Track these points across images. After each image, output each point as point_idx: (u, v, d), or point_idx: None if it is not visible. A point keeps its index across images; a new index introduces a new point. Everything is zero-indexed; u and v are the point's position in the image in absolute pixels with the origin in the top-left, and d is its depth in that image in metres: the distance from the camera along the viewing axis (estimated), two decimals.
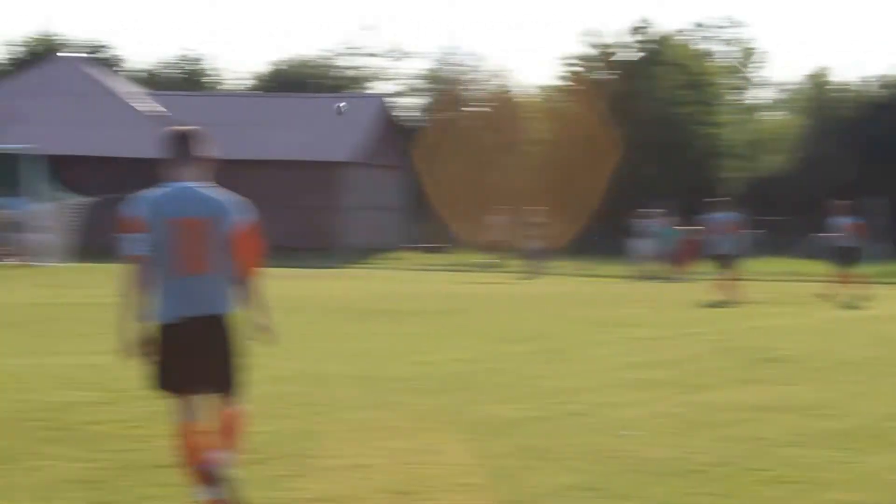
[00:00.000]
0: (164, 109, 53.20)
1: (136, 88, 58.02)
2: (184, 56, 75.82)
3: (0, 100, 52.45)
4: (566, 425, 11.32)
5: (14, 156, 41.54)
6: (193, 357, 7.69)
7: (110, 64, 69.33)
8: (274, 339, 7.97)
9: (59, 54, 59.96)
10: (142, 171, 48.72)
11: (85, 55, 64.68)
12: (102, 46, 73.74)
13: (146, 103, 53.90)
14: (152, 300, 7.70)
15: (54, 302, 24.37)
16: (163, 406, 10.86)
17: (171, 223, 7.63)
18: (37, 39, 71.75)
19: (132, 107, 52.79)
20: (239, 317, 7.88)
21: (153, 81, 68.57)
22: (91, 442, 10.08)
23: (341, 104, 48.13)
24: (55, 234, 39.35)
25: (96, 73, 56.54)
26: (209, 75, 75.83)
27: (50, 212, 39.67)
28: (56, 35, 73.10)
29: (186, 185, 7.78)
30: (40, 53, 66.09)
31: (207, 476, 7.57)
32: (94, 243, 43.46)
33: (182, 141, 7.88)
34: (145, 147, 48.44)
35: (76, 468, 9.13)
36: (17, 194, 41.69)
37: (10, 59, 71.30)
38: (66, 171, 47.52)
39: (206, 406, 7.89)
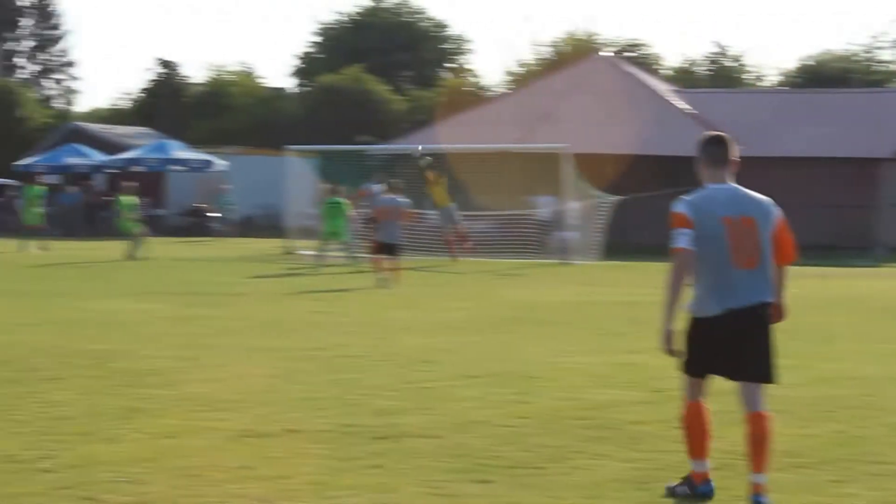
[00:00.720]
0: (691, 107, 53.09)
1: (668, 86, 58.19)
2: (714, 53, 75.48)
3: (534, 99, 53.91)
4: None
5: (548, 155, 42.57)
6: (734, 348, 8.14)
7: (645, 62, 69.87)
8: (781, 318, 8.40)
9: (599, 53, 60.90)
10: (675, 170, 49.04)
11: (621, 53, 65.56)
12: (639, 45, 74.49)
13: (678, 101, 53.91)
14: (694, 294, 8.21)
15: (589, 300, 24.68)
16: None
17: (722, 221, 8.14)
18: (570, 39, 73.25)
19: (667, 105, 52.86)
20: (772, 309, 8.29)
21: (684, 79, 68.66)
22: (633, 441, 10.08)
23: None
24: (588, 232, 40.02)
25: (633, 71, 57.01)
26: (739, 72, 75.08)
27: (582, 210, 40.37)
28: (593, 34, 74.41)
29: (730, 186, 8.32)
30: (576, 53, 67.44)
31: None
32: (625, 242, 44.07)
33: (720, 145, 8.40)
34: (678, 146, 48.57)
35: (621, 468, 9.16)
36: (551, 193, 42.75)
37: (542, 58, 73.12)
38: (599, 168, 48.21)
39: (741, 396, 8.26)
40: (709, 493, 8.28)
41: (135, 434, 10.08)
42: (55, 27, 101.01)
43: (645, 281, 30.02)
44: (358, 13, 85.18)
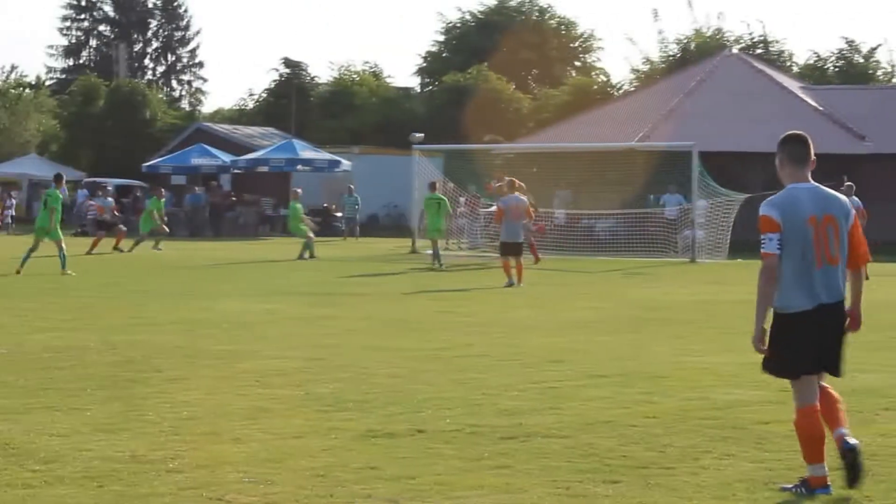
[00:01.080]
0: (815, 104, 52.47)
1: (797, 83, 57.61)
2: (843, 49, 74.19)
3: (661, 96, 53.60)
4: None
5: (675, 153, 42.41)
6: (821, 341, 8.40)
7: (775, 59, 69.10)
8: (856, 325, 8.54)
9: (732, 50, 60.35)
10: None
11: (750, 50, 64.95)
12: (768, 41, 73.59)
13: (808, 98, 53.32)
14: (781, 291, 8.39)
15: (716, 299, 24.52)
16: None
17: (809, 221, 8.37)
18: (698, 36, 72.44)
19: (796, 102, 52.30)
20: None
21: (813, 76, 67.90)
22: (761, 441, 10.02)
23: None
24: (715, 230, 39.80)
25: (762, 68, 56.47)
26: (871, 69, 73.74)
27: (711, 209, 40.13)
28: (721, 31, 73.45)
29: (812, 185, 8.55)
30: (704, 50, 66.91)
31: (845, 452, 8.24)
32: (753, 240, 43.41)
33: (803, 144, 8.61)
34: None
35: (750, 468, 9.10)
36: (678, 191, 42.61)
37: (669, 56, 72.48)
38: (726, 166, 47.85)
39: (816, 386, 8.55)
40: (828, 493, 8.32)
41: (261, 434, 10.15)
42: (182, 28, 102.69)
43: None
44: (481, 12, 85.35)
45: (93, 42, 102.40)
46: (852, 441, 8.24)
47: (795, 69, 70.60)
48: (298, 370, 13.77)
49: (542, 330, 18.33)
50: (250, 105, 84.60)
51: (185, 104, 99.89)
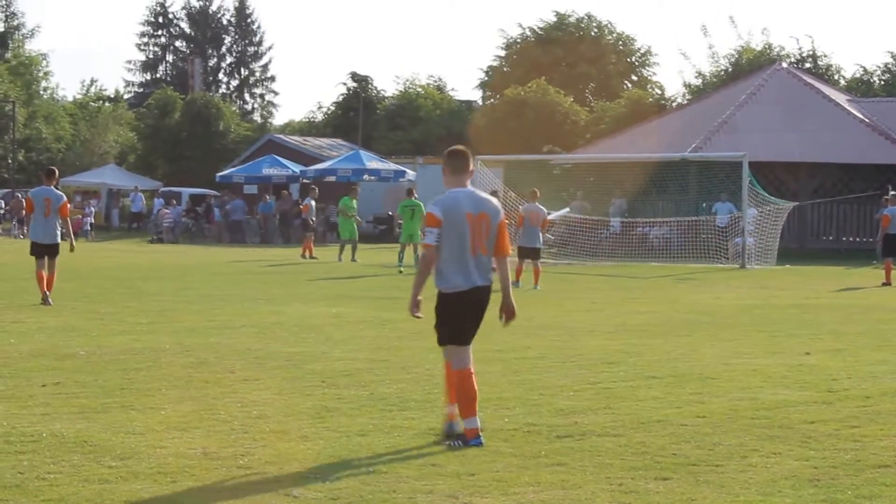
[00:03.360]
0: (861, 116, 52.25)
1: (844, 96, 57.49)
2: (888, 62, 73.52)
3: (712, 109, 53.64)
4: None
5: (727, 163, 42.63)
6: (475, 316, 10.25)
7: (822, 73, 68.83)
8: (512, 314, 10.43)
9: (781, 64, 60.25)
10: (851, 177, 48.44)
11: (799, 64, 64.76)
12: (817, 56, 73.25)
13: (854, 110, 53.20)
14: (444, 274, 10.06)
15: (764, 303, 24.64)
16: (880, 406, 10.87)
17: (466, 217, 10.02)
18: (747, 50, 72.13)
19: (843, 114, 52.21)
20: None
21: (860, 89, 67.66)
22: (807, 440, 10.19)
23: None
24: (764, 237, 40.01)
25: (810, 81, 56.40)
26: None
27: (761, 217, 40.29)
28: (769, 45, 73.08)
29: (469, 189, 10.24)
30: (753, 64, 66.79)
31: (450, 433, 9.99)
32: (801, 248, 43.85)
33: (462, 157, 10.27)
34: (854, 154, 48.19)
35: (796, 466, 9.27)
36: (729, 200, 42.80)
37: (719, 70, 72.25)
38: (776, 176, 47.95)
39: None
40: (480, 444, 9.83)
41: (328, 432, 10.37)
42: (255, 44, 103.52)
43: (818, 285, 29.87)
44: (541, 28, 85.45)
45: (169, 57, 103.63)
46: (458, 429, 9.88)
47: (843, 82, 70.30)
48: (363, 371, 14.02)
49: (597, 333, 18.55)
50: (319, 117, 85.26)
51: (257, 117, 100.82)
